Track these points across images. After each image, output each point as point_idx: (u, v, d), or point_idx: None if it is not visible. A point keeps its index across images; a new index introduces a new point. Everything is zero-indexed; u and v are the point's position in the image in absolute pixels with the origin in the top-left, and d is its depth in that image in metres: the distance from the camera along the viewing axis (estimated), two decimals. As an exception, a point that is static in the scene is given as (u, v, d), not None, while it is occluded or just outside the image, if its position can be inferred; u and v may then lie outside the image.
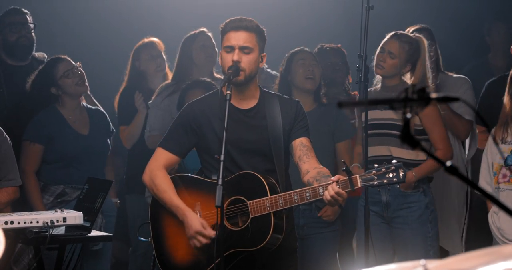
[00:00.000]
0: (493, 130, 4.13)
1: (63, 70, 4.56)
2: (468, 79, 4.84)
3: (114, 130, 4.90)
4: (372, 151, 4.12)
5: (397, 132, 4.21)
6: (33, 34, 4.96)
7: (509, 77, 4.10)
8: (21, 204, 4.39)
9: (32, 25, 4.95)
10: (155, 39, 5.31)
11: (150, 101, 5.04)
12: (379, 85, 4.40)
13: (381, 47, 4.32)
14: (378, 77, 4.41)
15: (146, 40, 5.32)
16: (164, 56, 5.29)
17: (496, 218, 4.08)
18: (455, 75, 4.86)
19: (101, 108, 4.86)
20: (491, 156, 4.11)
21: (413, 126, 4.27)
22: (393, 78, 4.32)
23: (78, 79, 4.57)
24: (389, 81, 4.33)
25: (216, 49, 5.08)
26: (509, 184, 4.03)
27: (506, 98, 4.08)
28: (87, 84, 4.64)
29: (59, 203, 4.49)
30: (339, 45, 5.04)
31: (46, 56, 5.07)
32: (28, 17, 4.97)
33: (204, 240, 3.25)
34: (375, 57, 4.34)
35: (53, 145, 4.54)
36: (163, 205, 3.43)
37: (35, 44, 4.99)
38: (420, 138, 4.27)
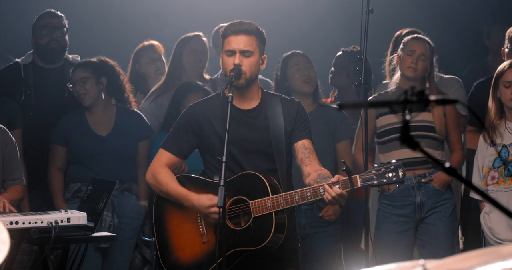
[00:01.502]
0: (482, 134, 4.19)
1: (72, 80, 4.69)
2: (459, 79, 4.88)
3: (152, 134, 4.85)
4: (397, 155, 4.12)
5: (430, 134, 4.26)
6: (66, 37, 4.99)
7: (492, 82, 4.16)
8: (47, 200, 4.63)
9: (65, 29, 4.99)
10: (155, 42, 5.35)
11: (140, 106, 5.08)
12: (393, 88, 4.39)
13: (409, 50, 4.32)
14: (394, 80, 4.41)
15: (146, 43, 5.35)
16: (164, 59, 5.33)
17: (487, 218, 4.13)
18: (446, 76, 4.89)
19: (137, 111, 4.85)
20: (481, 159, 4.18)
21: (444, 128, 4.30)
22: (419, 80, 4.32)
23: (79, 93, 4.66)
24: (412, 84, 4.29)
25: (208, 54, 5.12)
26: (497, 185, 4.10)
27: (490, 102, 4.14)
28: (87, 98, 4.66)
29: (74, 198, 4.62)
30: (359, 48, 5.06)
31: (79, 58, 5.12)
32: (62, 21, 5.00)
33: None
34: (401, 60, 4.31)
35: (71, 146, 4.69)
36: (168, 202, 3.46)
37: (67, 48, 5.02)
38: (428, 135, 4.29)
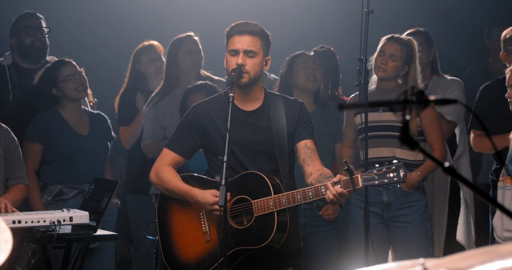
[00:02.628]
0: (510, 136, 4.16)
1: (66, 74, 4.61)
2: (459, 81, 4.88)
3: (115, 136, 4.96)
4: (374, 152, 4.16)
5: (397, 133, 4.26)
6: (47, 38, 5.01)
7: None
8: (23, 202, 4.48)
9: (46, 29, 5.00)
10: (154, 42, 5.36)
11: (142, 112, 5.11)
12: (373, 87, 4.43)
13: (381, 50, 4.36)
14: (373, 80, 4.44)
15: (146, 43, 5.37)
16: (163, 59, 5.33)
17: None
18: (449, 77, 4.90)
19: (103, 113, 4.92)
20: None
21: (417, 128, 4.31)
22: (392, 80, 4.36)
23: (79, 85, 4.62)
24: (387, 84, 4.37)
25: (202, 53, 5.13)
26: (504, 183, 4.08)
27: None
28: (87, 90, 4.70)
29: (56, 201, 4.55)
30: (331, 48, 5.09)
31: (56, 59, 5.13)
32: (42, 21, 5.01)
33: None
34: (374, 60, 4.37)
35: (51, 144, 4.60)
36: (171, 201, 3.48)
37: (48, 48, 5.03)
38: (421, 138, 4.33)
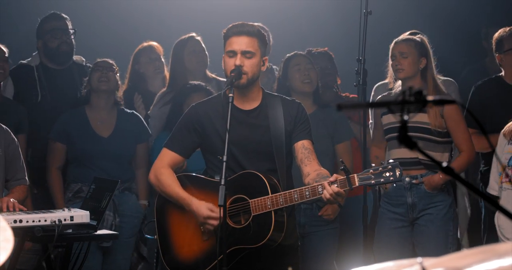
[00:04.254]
0: (502, 132, 4.17)
1: (98, 65, 4.73)
2: (454, 82, 4.91)
3: (152, 135, 4.94)
4: (397, 153, 4.19)
5: (426, 135, 4.28)
6: (73, 39, 5.04)
7: None
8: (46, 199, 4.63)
9: (72, 31, 5.02)
10: (154, 43, 5.38)
11: (149, 112, 5.13)
12: (399, 89, 4.40)
13: (392, 55, 4.34)
14: (397, 85, 4.42)
15: (145, 44, 5.39)
16: (163, 60, 5.37)
17: (498, 216, 4.14)
18: (442, 78, 4.91)
19: (136, 113, 4.93)
20: (500, 154, 4.15)
21: (442, 129, 4.30)
22: (414, 79, 4.32)
23: (103, 77, 4.69)
24: (410, 84, 4.30)
25: (206, 52, 5.16)
26: (509, 184, 4.08)
27: None
28: (111, 83, 4.72)
29: (75, 198, 4.63)
30: (326, 48, 5.08)
31: (84, 59, 5.16)
32: (68, 23, 5.04)
33: (215, 222, 3.29)
34: (390, 68, 4.36)
35: (71, 144, 4.70)
36: (169, 201, 3.50)
37: (74, 49, 5.07)
38: (445, 140, 4.33)
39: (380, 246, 4.31)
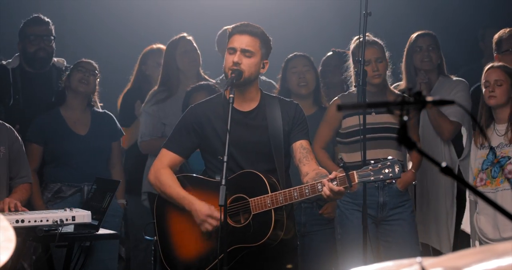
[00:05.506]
0: (473, 136, 4.27)
1: (81, 66, 4.73)
2: (465, 82, 4.90)
3: (124, 133, 4.99)
4: (370, 154, 4.15)
5: (390, 135, 4.31)
6: (52, 45, 5.03)
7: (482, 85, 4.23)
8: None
9: (52, 37, 5.01)
10: (162, 47, 5.40)
11: (141, 108, 5.15)
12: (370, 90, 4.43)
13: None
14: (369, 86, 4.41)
15: (154, 46, 5.44)
16: None
17: (478, 219, 4.25)
18: (454, 78, 4.93)
19: (108, 112, 4.96)
20: (473, 161, 4.28)
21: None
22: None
23: (84, 79, 4.70)
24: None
25: (198, 51, 5.18)
26: (485, 187, 4.20)
27: (480, 105, 4.26)
28: (90, 87, 4.73)
29: (55, 199, 4.63)
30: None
31: (65, 62, 5.16)
32: (49, 27, 5.02)
33: (214, 222, 3.31)
34: (368, 72, 4.22)
35: (50, 144, 4.70)
36: (169, 201, 3.50)
37: (54, 54, 5.06)
38: (390, 136, 4.33)
39: (353, 246, 4.21)
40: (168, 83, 5.08)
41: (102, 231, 3.95)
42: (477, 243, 4.37)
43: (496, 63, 4.35)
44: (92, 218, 3.80)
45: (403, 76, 4.92)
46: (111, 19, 6.34)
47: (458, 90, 4.84)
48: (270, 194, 3.29)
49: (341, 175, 3.17)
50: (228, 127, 3.19)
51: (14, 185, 4.13)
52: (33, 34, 4.98)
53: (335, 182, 3.16)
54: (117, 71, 5.69)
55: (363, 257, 3.83)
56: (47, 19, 5.05)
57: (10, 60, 5.09)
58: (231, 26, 3.49)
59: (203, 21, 6.03)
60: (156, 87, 5.16)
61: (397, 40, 4.97)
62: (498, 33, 4.80)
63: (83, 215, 3.76)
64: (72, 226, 3.85)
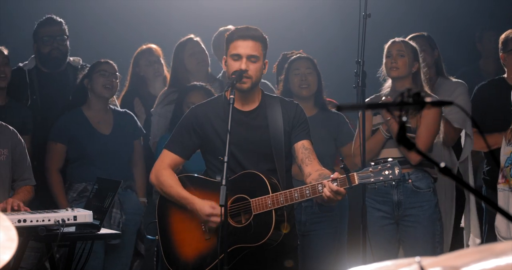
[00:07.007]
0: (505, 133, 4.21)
1: (103, 69, 4.76)
2: (464, 84, 4.90)
3: (144, 131, 5.03)
4: (383, 153, 4.20)
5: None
6: (67, 44, 5.06)
7: None
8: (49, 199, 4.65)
9: (65, 37, 5.04)
10: (153, 46, 5.43)
11: (152, 109, 5.17)
12: (387, 90, 4.42)
13: (387, 52, 4.36)
14: (386, 86, 4.45)
15: (144, 46, 5.45)
16: (162, 61, 5.41)
17: (496, 216, 4.16)
18: (454, 79, 4.93)
19: (129, 111, 5.00)
20: (501, 156, 4.18)
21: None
22: (405, 80, 4.33)
23: (108, 83, 4.75)
24: (401, 85, 4.32)
25: (206, 52, 5.21)
26: (505, 185, 4.11)
27: None
28: (114, 90, 4.81)
29: (80, 198, 4.66)
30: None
31: (81, 60, 5.19)
32: (62, 27, 5.05)
33: (218, 220, 3.31)
34: (384, 65, 4.36)
35: (74, 144, 4.74)
36: (171, 201, 3.52)
37: (68, 53, 5.10)
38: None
39: (372, 244, 4.26)
40: (178, 84, 5.10)
41: (103, 230, 3.96)
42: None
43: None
44: (94, 218, 3.81)
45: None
46: (113, 19, 6.34)
47: (458, 94, 4.83)
48: (271, 194, 3.30)
49: (341, 176, 3.18)
50: (229, 127, 3.20)
51: (17, 187, 4.14)
52: (46, 35, 5.02)
53: (336, 183, 3.17)
54: (118, 72, 5.70)
55: (362, 257, 3.84)
56: (59, 19, 5.08)
57: (26, 62, 5.12)
58: (226, 28, 3.49)
59: (203, 22, 6.03)
60: (166, 88, 5.18)
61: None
62: (505, 33, 4.83)
63: (85, 215, 3.77)
64: (74, 226, 3.86)
